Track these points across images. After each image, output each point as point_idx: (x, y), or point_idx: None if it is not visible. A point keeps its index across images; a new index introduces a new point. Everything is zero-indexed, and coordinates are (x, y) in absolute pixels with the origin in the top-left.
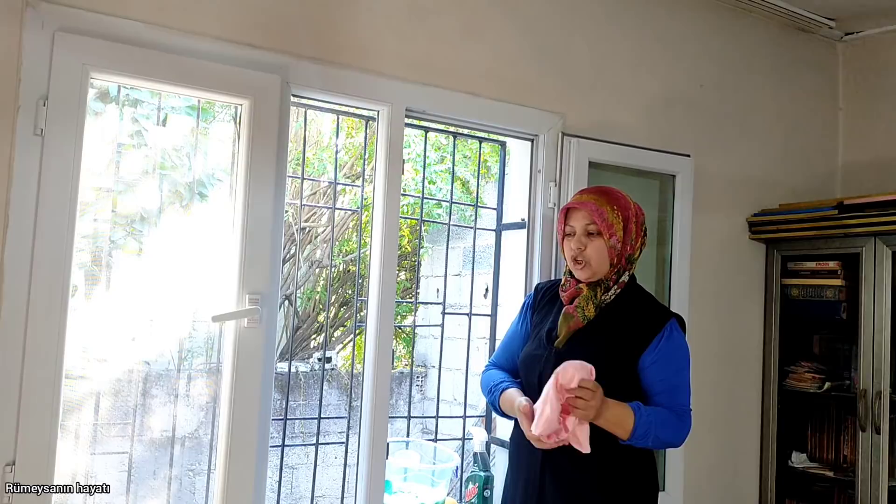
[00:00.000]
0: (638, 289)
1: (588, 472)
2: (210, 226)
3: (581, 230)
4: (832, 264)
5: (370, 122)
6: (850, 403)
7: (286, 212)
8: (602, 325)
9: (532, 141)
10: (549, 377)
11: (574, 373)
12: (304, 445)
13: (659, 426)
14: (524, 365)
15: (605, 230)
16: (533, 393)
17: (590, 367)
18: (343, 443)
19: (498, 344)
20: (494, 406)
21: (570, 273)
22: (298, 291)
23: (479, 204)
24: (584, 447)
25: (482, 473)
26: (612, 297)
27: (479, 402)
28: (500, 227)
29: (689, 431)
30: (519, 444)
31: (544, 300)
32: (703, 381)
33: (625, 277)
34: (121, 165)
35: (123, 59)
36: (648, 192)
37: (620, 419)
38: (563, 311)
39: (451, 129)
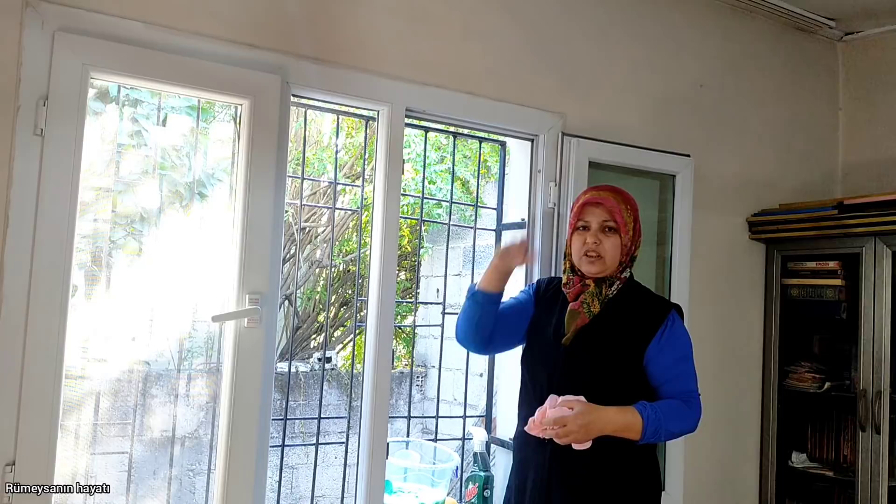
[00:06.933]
0: (636, 283)
1: (594, 472)
2: (210, 226)
3: (597, 226)
4: (832, 264)
5: (370, 122)
6: (850, 403)
7: (286, 212)
8: (607, 320)
9: (532, 141)
10: (558, 375)
11: (544, 414)
12: (304, 445)
13: (668, 419)
14: (531, 365)
15: (622, 227)
16: (542, 391)
17: (564, 406)
18: (343, 443)
19: None
20: (473, 296)
21: (573, 270)
22: (298, 291)
23: (479, 204)
24: (581, 447)
25: (482, 473)
26: (615, 292)
27: (479, 402)
28: (500, 227)
29: (701, 415)
30: (525, 443)
31: (547, 295)
32: (704, 381)
33: (626, 274)
34: (121, 165)
35: (123, 59)
36: (648, 192)
37: (628, 425)
38: (568, 308)
39: (451, 129)
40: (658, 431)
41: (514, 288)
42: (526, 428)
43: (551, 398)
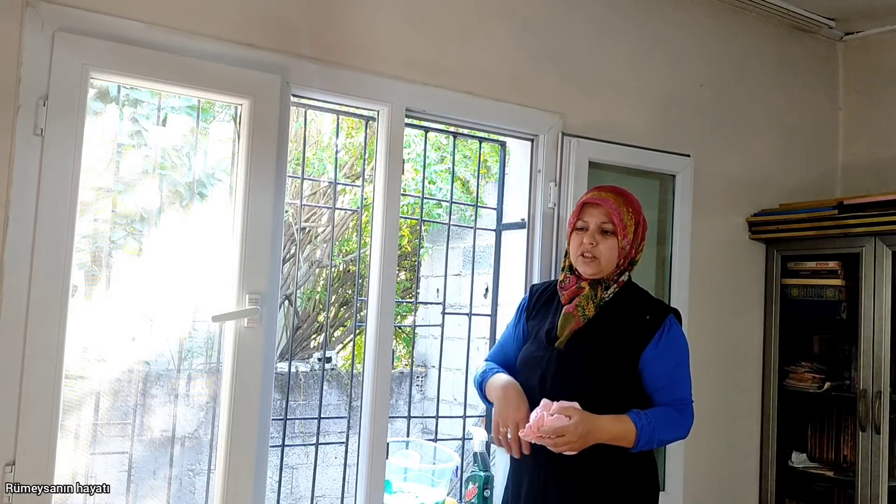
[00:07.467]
0: (634, 286)
1: (591, 473)
2: (210, 226)
3: (595, 227)
4: (832, 264)
5: (370, 122)
6: (850, 403)
7: (286, 212)
8: (602, 323)
9: (532, 141)
10: (550, 378)
11: (542, 421)
12: (304, 445)
13: (661, 428)
14: (524, 366)
15: (620, 230)
16: (534, 394)
17: (562, 414)
18: (343, 443)
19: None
20: (480, 386)
21: (570, 269)
22: (298, 291)
23: (479, 204)
24: (570, 453)
25: (482, 473)
26: (611, 296)
27: (478, 401)
28: (500, 227)
29: (693, 422)
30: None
31: (540, 301)
32: (704, 381)
33: (624, 277)
34: (121, 165)
35: (123, 59)
36: (648, 192)
37: (622, 434)
38: (563, 311)
39: (451, 129)
40: (651, 440)
41: (514, 299)
42: (521, 434)
43: (544, 403)
